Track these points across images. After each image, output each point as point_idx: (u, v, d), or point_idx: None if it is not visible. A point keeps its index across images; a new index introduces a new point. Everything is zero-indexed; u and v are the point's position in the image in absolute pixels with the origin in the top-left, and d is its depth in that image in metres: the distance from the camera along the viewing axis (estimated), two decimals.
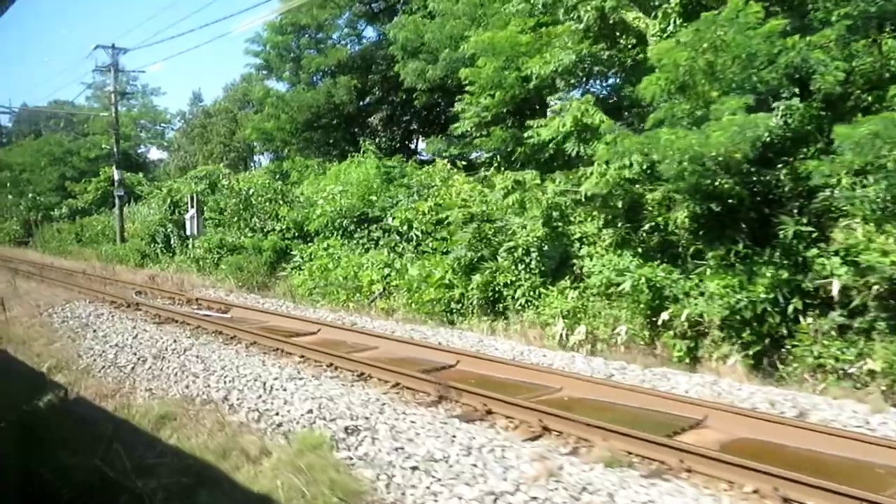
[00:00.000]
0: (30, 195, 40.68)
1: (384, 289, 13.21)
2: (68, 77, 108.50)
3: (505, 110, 15.09)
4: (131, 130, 45.18)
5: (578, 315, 10.10)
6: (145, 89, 49.58)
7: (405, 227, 14.32)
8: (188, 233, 22.00)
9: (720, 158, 7.71)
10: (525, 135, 11.74)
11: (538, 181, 10.66)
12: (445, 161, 15.23)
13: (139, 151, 48.84)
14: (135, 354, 8.56)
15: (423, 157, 22.19)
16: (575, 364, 7.77)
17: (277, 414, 5.97)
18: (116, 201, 27.58)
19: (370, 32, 25.68)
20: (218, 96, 70.11)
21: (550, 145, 11.47)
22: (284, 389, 6.52)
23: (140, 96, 48.21)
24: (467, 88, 16.32)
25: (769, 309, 7.86)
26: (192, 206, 22.31)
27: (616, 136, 8.98)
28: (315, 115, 23.74)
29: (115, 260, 23.95)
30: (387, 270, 13.84)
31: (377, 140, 22.69)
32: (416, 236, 14.13)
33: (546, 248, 11.11)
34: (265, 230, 17.67)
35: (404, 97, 22.12)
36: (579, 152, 10.58)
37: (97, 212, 37.46)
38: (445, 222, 13.60)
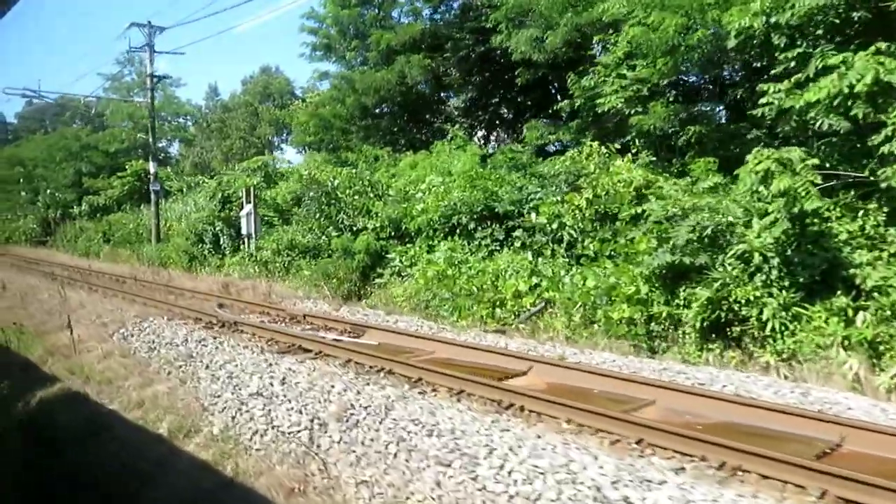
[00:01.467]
0: (47, 191, 37.81)
1: (546, 304, 10.42)
2: (74, 73, 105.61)
3: (665, 82, 12.36)
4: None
5: (881, 347, 7.31)
6: (165, 79, 46.44)
7: (554, 226, 11.53)
8: (244, 232, 19.29)
9: None
10: (763, 101, 8.90)
11: (813, 161, 7.84)
12: (595, 143, 12.42)
13: (160, 145, 45.60)
14: (301, 413, 5.76)
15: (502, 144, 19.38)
16: None
17: None
18: (152, 197, 24.76)
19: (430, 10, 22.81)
20: (234, 90, 67.46)
21: (794, 116, 8.68)
22: None
23: (162, 87, 45.22)
24: (599, 59, 13.63)
25: None
26: (249, 202, 19.64)
27: None
28: (383, 98, 20.94)
29: (157, 262, 21.14)
30: (534, 279, 11.08)
31: (456, 127, 19.88)
32: (570, 236, 11.35)
33: (789, 252, 8.34)
34: (355, 229, 14.86)
35: (493, 76, 19.36)
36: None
37: (122, 209, 34.63)
38: (616, 218, 10.91)
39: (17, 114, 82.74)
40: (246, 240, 19.42)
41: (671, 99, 12.43)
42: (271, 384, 6.56)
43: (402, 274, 13.78)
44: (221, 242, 20.85)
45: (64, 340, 9.56)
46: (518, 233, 11.95)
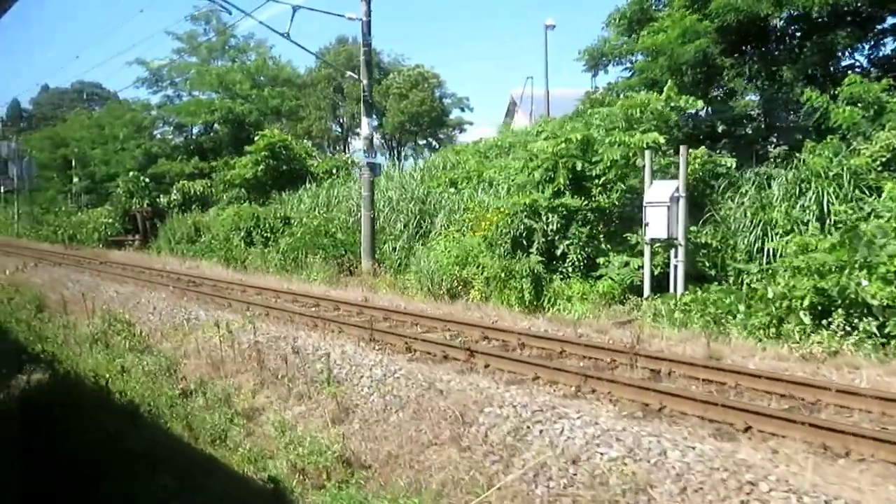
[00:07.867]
0: (130, 173, 28.44)
1: None
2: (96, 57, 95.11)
3: None
4: (250, 88, 32.77)
5: None
6: (249, 38, 36.11)
7: None
8: (653, 234, 10.37)
9: None
10: None
11: None
12: None
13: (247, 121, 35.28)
14: None
15: None
16: None
17: None
18: (363, 175, 15.51)
19: None
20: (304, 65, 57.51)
21: None
22: None
23: (254, 48, 35.38)
24: None
25: None
26: (670, 175, 10.70)
27: None
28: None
29: (440, 288, 12.01)
30: None
31: None
32: None
33: None
34: None
35: None
36: None
37: (218, 199, 25.39)
38: None
39: (33, 100, 72.84)
40: (647, 247, 10.45)
41: None
42: None
43: None
44: (563, 252, 11.75)
45: None
46: None
